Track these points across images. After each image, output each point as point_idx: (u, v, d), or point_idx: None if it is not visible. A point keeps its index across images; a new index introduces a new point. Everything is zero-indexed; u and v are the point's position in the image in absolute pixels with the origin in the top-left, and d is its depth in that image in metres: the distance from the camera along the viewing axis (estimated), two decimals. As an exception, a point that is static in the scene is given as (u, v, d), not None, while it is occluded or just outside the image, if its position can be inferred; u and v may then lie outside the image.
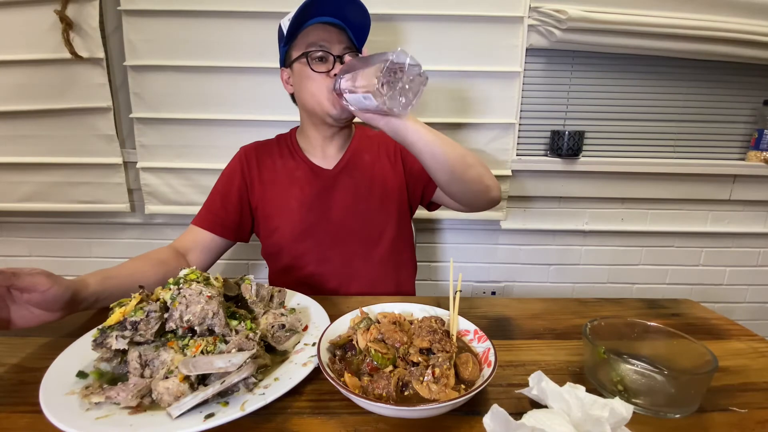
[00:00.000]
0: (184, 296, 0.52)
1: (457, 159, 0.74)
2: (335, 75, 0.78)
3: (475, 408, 0.46)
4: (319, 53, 0.82)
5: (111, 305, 0.52)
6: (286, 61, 0.88)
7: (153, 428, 0.41)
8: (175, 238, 0.89)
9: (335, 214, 0.90)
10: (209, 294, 0.52)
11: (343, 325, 0.57)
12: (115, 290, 0.65)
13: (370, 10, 0.83)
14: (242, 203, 0.92)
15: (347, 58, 0.83)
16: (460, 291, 0.59)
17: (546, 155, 1.47)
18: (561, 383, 0.44)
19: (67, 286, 0.57)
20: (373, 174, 0.92)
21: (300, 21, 0.82)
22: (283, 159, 0.93)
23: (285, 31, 0.84)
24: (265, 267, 0.98)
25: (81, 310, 0.62)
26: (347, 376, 0.46)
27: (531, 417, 0.39)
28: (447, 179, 0.76)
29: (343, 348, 0.54)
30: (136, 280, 0.69)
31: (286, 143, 0.96)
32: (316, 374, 0.50)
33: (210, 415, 0.42)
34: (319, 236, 0.89)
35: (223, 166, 0.94)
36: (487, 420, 0.40)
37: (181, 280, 0.54)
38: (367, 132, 0.99)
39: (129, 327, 0.49)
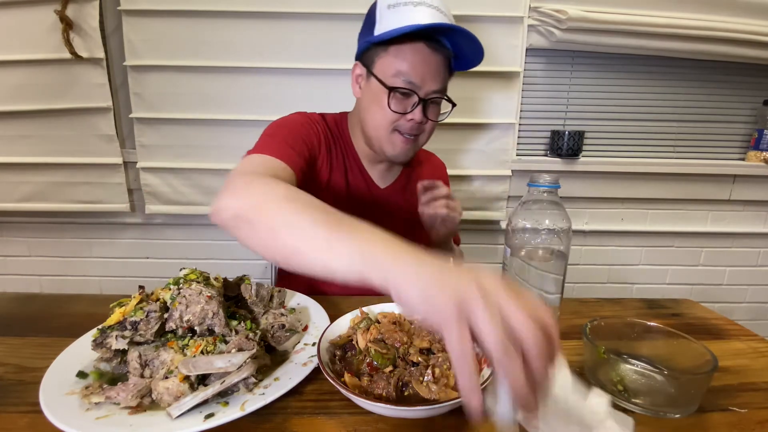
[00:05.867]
0: (184, 296, 0.52)
1: None
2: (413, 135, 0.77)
3: (475, 408, 0.46)
4: (404, 90, 0.73)
5: (111, 305, 0.52)
6: (364, 57, 0.78)
7: (153, 428, 0.41)
8: (176, 238, 0.87)
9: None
10: (209, 294, 0.52)
11: (343, 325, 0.57)
12: None
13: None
14: (313, 157, 0.78)
15: (429, 109, 0.75)
16: (460, 291, 0.59)
17: (546, 155, 1.47)
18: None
19: None
20: (412, 204, 0.86)
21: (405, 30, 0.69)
22: (339, 158, 0.83)
23: (377, 21, 0.73)
24: (266, 267, 0.97)
25: None
26: (347, 376, 0.46)
27: None
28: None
29: (343, 348, 0.54)
30: None
31: (342, 138, 0.85)
32: (316, 374, 0.50)
33: (210, 415, 0.42)
34: None
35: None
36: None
37: (181, 280, 0.54)
38: (422, 158, 0.96)
39: (129, 327, 0.49)
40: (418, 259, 0.37)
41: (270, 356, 0.52)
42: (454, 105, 0.79)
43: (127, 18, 1.26)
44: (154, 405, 0.45)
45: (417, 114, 0.74)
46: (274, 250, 0.48)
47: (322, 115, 0.87)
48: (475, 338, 0.31)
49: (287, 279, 0.91)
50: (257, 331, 0.53)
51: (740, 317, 1.65)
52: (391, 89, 0.73)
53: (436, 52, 0.72)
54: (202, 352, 0.48)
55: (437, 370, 0.47)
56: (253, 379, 0.46)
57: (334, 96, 1.31)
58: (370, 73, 0.76)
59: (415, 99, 0.74)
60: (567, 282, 0.60)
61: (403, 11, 0.71)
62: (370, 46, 0.76)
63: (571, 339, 0.62)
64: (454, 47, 0.75)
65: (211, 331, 0.52)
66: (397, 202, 0.86)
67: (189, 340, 0.50)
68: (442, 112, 0.81)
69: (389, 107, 0.74)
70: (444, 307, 0.32)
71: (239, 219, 0.52)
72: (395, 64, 0.73)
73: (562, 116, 1.46)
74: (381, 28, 0.73)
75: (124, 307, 0.51)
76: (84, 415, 0.42)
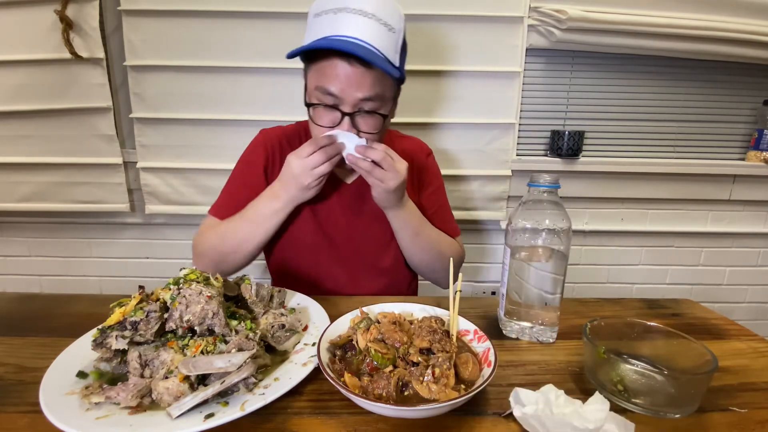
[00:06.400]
0: (184, 296, 0.52)
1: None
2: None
3: (475, 408, 0.46)
4: (326, 104, 0.71)
5: (111, 305, 0.52)
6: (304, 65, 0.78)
7: (153, 428, 0.41)
8: (176, 238, 0.88)
9: (347, 231, 0.87)
10: (209, 294, 0.52)
11: (343, 325, 0.57)
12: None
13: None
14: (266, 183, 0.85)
15: (360, 121, 0.72)
16: (460, 291, 0.59)
17: (546, 155, 1.47)
18: (561, 383, 0.44)
19: None
20: None
21: (316, 49, 0.68)
22: None
23: (306, 31, 0.73)
24: (265, 267, 0.98)
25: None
26: (347, 376, 0.46)
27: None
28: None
29: (343, 348, 0.54)
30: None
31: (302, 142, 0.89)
32: (316, 374, 0.50)
33: (210, 415, 0.42)
34: (328, 249, 0.87)
35: (223, 165, 0.93)
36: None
37: (181, 280, 0.54)
38: (393, 140, 0.93)
39: (129, 327, 0.49)
40: (282, 178, 0.76)
41: (270, 356, 0.52)
42: (384, 117, 0.75)
43: (127, 18, 1.25)
44: (154, 405, 0.45)
45: (344, 127, 0.72)
46: (246, 250, 0.80)
47: (280, 131, 0.91)
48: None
49: (285, 280, 0.91)
50: (257, 331, 0.53)
51: (740, 317, 1.65)
52: (309, 105, 0.73)
53: (351, 64, 0.68)
54: (202, 352, 0.48)
55: (437, 370, 0.47)
56: (253, 379, 0.46)
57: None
58: (306, 84, 0.77)
59: (339, 114, 0.71)
60: (567, 282, 0.61)
61: (323, 21, 0.69)
62: (302, 59, 0.75)
63: (571, 339, 0.62)
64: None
65: (211, 331, 0.52)
66: (367, 193, 0.83)
67: (189, 340, 0.50)
68: (390, 116, 0.78)
69: (316, 122, 0.74)
70: (293, 171, 0.73)
71: (217, 264, 0.81)
72: (314, 79, 0.71)
73: (562, 116, 1.46)
74: (305, 39, 0.72)
75: (124, 307, 0.51)
76: (84, 415, 0.42)
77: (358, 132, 0.74)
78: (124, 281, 1.54)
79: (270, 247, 0.92)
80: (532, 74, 1.40)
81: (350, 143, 0.71)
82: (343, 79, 0.69)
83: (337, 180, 0.87)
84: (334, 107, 0.71)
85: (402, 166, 0.74)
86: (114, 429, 0.40)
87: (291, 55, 0.70)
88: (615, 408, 0.44)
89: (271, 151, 0.88)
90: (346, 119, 0.72)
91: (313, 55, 0.71)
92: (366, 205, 0.86)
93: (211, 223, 0.85)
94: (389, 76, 0.72)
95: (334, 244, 0.88)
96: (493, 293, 1.61)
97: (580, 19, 1.23)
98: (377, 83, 0.71)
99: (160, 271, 1.52)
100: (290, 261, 0.89)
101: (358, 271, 0.89)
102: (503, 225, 1.50)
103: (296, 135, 0.91)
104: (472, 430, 0.43)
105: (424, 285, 1.04)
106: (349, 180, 0.88)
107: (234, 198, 0.85)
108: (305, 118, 0.86)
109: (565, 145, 1.38)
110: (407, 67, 0.79)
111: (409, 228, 0.83)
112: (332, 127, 0.73)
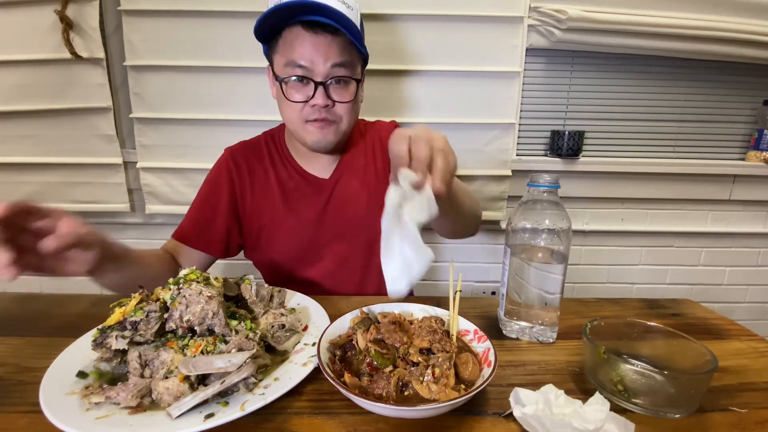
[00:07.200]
0: (184, 296, 0.52)
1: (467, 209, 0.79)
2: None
3: (475, 408, 0.46)
4: (297, 76, 0.71)
5: (111, 305, 0.52)
6: (269, 58, 0.79)
7: (153, 428, 0.41)
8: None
9: (332, 226, 0.86)
10: (209, 294, 0.52)
11: (343, 325, 0.57)
12: (129, 266, 0.64)
13: (370, 10, 0.79)
14: (231, 214, 0.86)
15: (333, 91, 0.73)
16: (460, 291, 0.59)
17: (546, 155, 1.47)
18: (561, 383, 0.44)
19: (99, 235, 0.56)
20: (367, 178, 0.87)
21: (278, 19, 0.69)
22: (275, 167, 0.87)
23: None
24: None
25: (98, 273, 0.58)
26: (347, 376, 0.46)
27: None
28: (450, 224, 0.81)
29: (343, 348, 0.54)
30: (144, 265, 0.70)
31: (276, 148, 0.90)
32: (316, 374, 0.50)
33: (210, 415, 0.42)
34: (316, 250, 0.87)
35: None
36: None
37: (181, 280, 0.54)
38: (361, 129, 0.93)
39: (129, 327, 0.49)
40: None
41: (270, 356, 0.52)
42: (358, 81, 0.76)
43: (127, 18, 1.25)
44: (154, 405, 0.45)
45: (318, 98, 0.72)
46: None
47: (244, 145, 0.90)
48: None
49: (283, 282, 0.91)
50: (257, 331, 0.53)
51: (740, 317, 1.65)
52: (281, 80, 0.73)
53: (316, 33, 0.69)
54: (202, 352, 0.48)
55: (437, 370, 0.47)
56: (253, 379, 0.46)
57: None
58: (273, 72, 0.77)
59: (312, 84, 0.72)
60: (567, 282, 0.61)
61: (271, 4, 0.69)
62: (266, 48, 0.77)
63: (571, 339, 0.62)
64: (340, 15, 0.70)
65: (211, 331, 0.52)
66: (349, 183, 0.85)
67: (189, 340, 0.50)
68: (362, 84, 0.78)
69: (289, 99, 0.73)
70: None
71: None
72: (283, 56, 0.72)
73: (562, 116, 1.46)
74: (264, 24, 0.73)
75: (124, 307, 0.51)
76: (84, 415, 0.42)
77: (334, 103, 0.74)
78: (124, 281, 1.54)
79: (258, 256, 0.91)
80: (532, 74, 1.40)
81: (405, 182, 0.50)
82: (310, 48, 0.69)
83: (315, 179, 0.86)
84: (306, 79, 0.72)
85: (437, 136, 0.53)
86: (114, 429, 0.40)
87: (257, 26, 0.69)
88: (615, 408, 0.44)
89: (236, 168, 0.87)
90: (320, 90, 0.72)
91: (276, 31, 0.71)
92: (352, 190, 0.86)
93: (173, 246, 0.84)
94: (355, 47, 0.73)
95: (323, 242, 0.87)
96: (493, 293, 1.61)
97: (580, 19, 1.23)
98: (345, 50, 0.72)
99: (160, 271, 1.52)
100: (279, 268, 0.88)
101: (348, 271, 0.89)
102: (503, 225, 1.50)
103: (260, 145, 0.90)
104: (472, 430, 0.43)
105: (423, 285, 1.04)
106: (327, 174, 0.87)
107: (192, 219, 0.85)
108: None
109: (565, 145, 1.38)
110: (405, 66, 0.79)
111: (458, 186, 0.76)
112: (305, 101, 0.73)
